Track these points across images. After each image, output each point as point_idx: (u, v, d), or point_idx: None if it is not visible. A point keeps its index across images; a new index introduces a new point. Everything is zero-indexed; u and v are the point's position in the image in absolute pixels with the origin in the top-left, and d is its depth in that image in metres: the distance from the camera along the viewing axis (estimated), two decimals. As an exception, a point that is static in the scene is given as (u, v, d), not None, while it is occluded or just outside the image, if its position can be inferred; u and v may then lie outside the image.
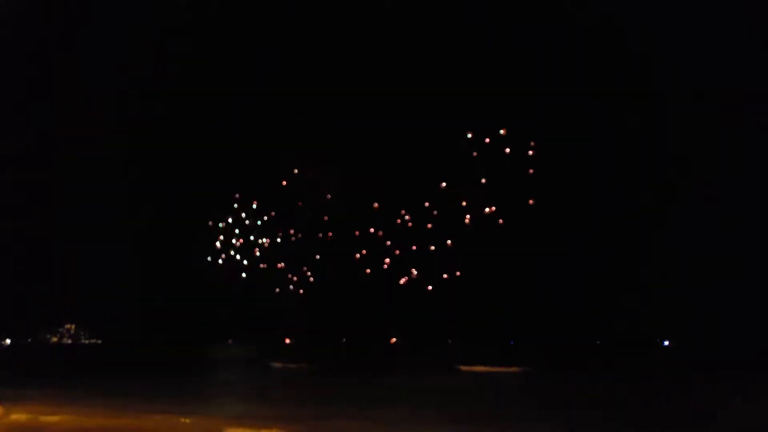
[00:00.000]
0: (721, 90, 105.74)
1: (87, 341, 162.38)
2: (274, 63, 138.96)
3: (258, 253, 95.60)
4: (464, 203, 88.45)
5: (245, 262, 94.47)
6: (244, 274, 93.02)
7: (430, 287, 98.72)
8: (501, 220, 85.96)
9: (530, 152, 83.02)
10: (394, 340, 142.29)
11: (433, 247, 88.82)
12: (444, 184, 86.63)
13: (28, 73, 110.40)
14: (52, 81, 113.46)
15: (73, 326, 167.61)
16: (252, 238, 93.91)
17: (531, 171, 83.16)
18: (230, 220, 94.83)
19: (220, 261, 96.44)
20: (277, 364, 59.85)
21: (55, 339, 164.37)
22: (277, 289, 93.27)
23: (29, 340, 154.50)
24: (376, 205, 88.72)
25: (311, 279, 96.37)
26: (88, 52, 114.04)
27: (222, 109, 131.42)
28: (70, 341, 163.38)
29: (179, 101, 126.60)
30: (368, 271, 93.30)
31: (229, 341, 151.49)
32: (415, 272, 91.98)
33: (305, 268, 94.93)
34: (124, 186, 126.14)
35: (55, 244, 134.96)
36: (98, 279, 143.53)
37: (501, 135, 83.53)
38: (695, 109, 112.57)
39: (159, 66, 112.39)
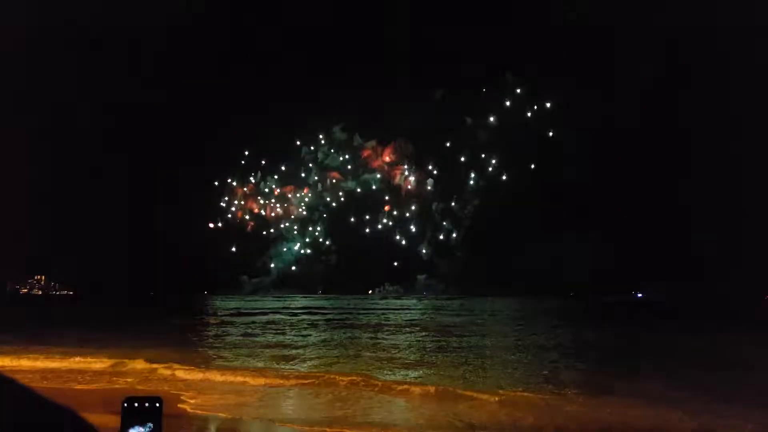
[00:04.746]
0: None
1: (57, 293, 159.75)
2: (284, 23, 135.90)
3: (263, 212, 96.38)
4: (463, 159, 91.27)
5: (248, 218, 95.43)
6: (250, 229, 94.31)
7: (424, 250, 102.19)
8: (504, 176, 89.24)
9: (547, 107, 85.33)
10: (370, 292, 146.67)
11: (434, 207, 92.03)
12: (448, 144, 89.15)
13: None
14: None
15: (44, 277, 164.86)
16: (261, 200, 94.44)
17: (551, 133, 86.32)
18: (232, 181, 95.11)
19: (220, 224, 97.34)
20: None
21: (24, 290, 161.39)
22: (285, 248, 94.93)
23: (7, 289, 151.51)
24: (383, 161, 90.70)
25: (320, 239, 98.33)
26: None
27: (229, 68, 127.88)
28: (39, 292, 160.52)
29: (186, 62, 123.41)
30: (367, 230, 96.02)
31: (205, 292, 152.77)
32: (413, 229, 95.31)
33: (311, 228, 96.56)
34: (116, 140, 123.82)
35: (30, 195, 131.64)
36: (75, 232, 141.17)
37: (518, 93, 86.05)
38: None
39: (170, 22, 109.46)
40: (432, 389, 16.77)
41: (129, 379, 18.41)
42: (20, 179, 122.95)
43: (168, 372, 19.46)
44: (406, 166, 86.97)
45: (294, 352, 27.94)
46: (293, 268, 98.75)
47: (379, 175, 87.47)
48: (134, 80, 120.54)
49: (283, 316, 57.22)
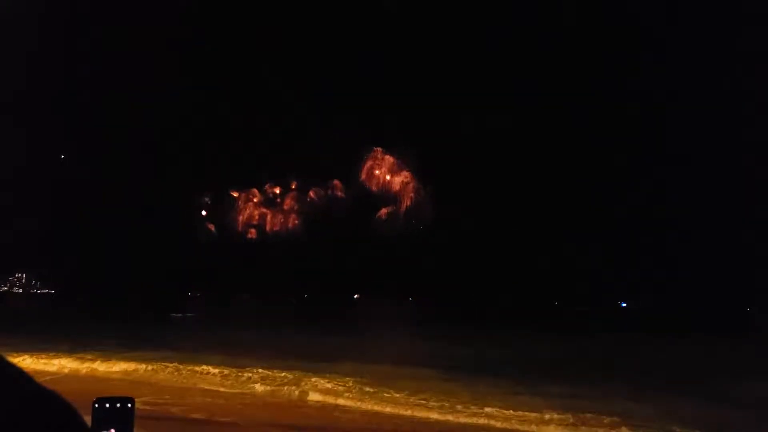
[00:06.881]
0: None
1: (38, 291, 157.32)
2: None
3: (264, 218, 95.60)
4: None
5: (248, 225, 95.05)
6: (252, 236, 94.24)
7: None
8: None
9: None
10: (356, 296, 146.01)
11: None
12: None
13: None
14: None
15: (24, 275, 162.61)
16: (261, 207, 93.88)
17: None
18: (233, 188, 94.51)
19: (213, 228, 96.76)
20: (176, 315, 64.33)
21: (4, 288, 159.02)
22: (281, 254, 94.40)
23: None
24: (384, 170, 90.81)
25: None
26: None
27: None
28: (20, 291, 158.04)
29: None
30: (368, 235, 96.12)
31: (197, 294, 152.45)
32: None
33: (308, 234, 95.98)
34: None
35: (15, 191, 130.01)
36: (61, 231, 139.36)
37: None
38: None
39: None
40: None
41: (91, 380, 17.57)
42: (4, 175, 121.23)
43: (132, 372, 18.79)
44: (406, 174, 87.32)
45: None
46: (288, 274, 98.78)
47: (379, 184, 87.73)
48: (137, 79, 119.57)
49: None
